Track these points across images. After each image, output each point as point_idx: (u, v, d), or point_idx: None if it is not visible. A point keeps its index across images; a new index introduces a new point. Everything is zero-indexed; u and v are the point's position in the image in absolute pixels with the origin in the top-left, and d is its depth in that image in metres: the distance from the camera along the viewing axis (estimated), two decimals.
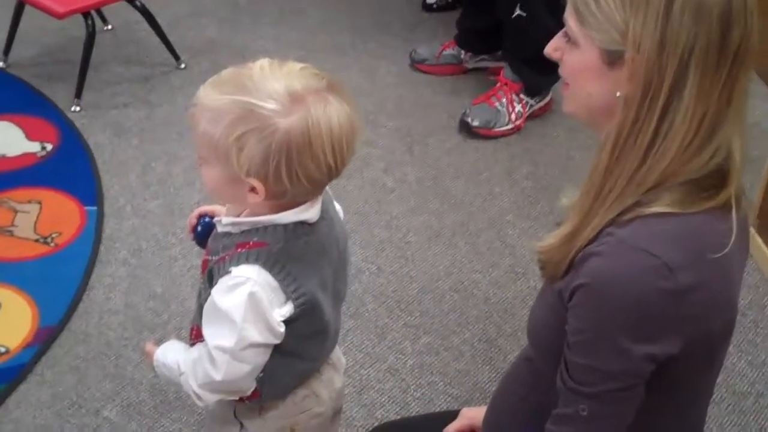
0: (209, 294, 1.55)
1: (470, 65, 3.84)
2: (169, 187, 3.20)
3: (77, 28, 3.73)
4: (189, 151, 3.36)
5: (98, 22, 3.79)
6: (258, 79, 1.43)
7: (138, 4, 3.67)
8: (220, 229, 1.59)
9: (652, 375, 1.43)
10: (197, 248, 2.82)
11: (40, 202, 3.09)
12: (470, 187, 3.25)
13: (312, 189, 1.50)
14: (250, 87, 1.42)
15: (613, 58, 1.37)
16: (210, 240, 1.64)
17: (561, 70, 1.48)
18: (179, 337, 2.55)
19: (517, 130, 3.51)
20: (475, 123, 3.47)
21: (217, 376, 1.53)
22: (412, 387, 2.52)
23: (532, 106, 3.54)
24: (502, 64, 3.64)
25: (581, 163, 3.28)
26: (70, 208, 3.07)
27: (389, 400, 2.48)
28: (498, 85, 3.54)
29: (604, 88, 1.40)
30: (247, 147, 1.41)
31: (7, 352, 2.56)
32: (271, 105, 1.41)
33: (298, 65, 1.47)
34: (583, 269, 1.41)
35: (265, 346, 1.54)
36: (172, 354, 1.65)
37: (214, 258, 1.56)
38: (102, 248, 2.93)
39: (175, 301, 2.74)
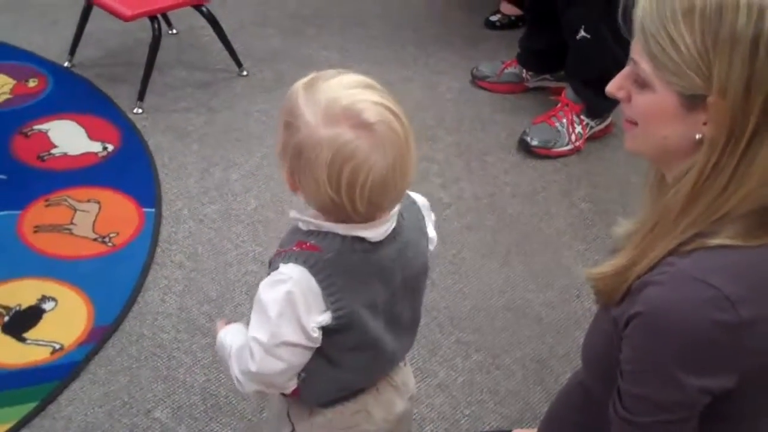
0: None
1: (531, 84, 3.83)
2: (227, 192, 3.22)
3: (142, 31, 3.78)
4: (247, 157, 3.39)
5: (163, 26, 3.83)
6: (322, 86, 1.45)
7: (204, 10, 3.70)
8: (295, 223, 1.60)
9: (707, 408, 1.41)
10: (252, 254, 2.90)
11: (99, 202, 3.12)
12: (527, 206, 3.24)
13: (334, 211, 1.49)
14: (312, 90, 1.45)
15: (693, 103, 1.35)
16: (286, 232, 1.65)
17: (627, 109, 1.46)
18: None
19: (576, 151, 3.49)
20: (535, 142, 3.46)
21: (252, 367, 1.55)
22: (462, 404, 2.51)
23: (592, 127, 3.52)
24: (563, 84, 3.63)
25: (640, 188, 3.24)
26: (129, 209, 3.10)
27: (439, 416, 2.47)
28: (559, 105, 3.53)
29: (681, 131, 1.39)
30: (284, 133, 1.47)
31: (62, 348, 2.58)
32: (306, 113, 1.43)
33: (374, 96, 1.44)
34: (640, 298, 1.39)
35: (302, 347, 1.54)
36: (230, 337, 1.67)
37: (279, 248, 1.57)
38: (158, 250, 2.95)
39: (229, 305, 2.75)
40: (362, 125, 1.41)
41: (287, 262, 1.50)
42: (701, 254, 1.38)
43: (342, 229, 1.51)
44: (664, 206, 1.42)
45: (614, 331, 1.45)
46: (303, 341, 1.53)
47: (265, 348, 1.52)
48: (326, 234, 1.52)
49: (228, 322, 1.73)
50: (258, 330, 1.52)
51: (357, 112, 1.41)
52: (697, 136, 1.37)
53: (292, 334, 1.51)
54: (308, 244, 1.52)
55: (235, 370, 1.60)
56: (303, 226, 1.55)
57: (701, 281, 1.35)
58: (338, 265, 1.51)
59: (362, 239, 1.52)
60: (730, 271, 1.36)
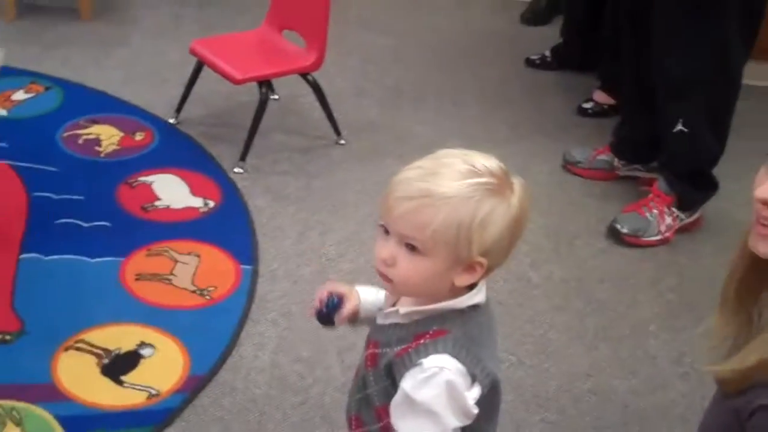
0: (382, 387, 1.59)
1: (622, 173, 3.87)
2: (321, 256, 3.30)
3: (247, 94, 3.91)
4: (342, 224, 3.47)
5: None
6: (469, 160, 1.52)
7: (310, 78, 3.82)
8: (388, 320, 1.61)
9: None
10: None
11: (198, 255, 3.22)
12: (614, 292, 3.27)
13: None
14: (475, 170, 1.49)
15: None
16: (375, 333, 1.66)
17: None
18: (323, 402, 2.63)
19: (665, 242, 3.52)
20: (625, 230, 3.49)
21: None
22: None
23: (682, 220, 3.55)
24: (654, 175, 3.67)
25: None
26: (227, 265, 3.19)
27: None
28: (650, 195, 3.56)
29: None
30: (491, 225, 1.48)
31: (158, 394, 2.66)
32: (497, 182, 1.50)
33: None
34: (766, 391, 1.42)
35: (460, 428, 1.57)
36: None
37: (386, 350, 1.58)
38: (254, 307, 3.03)
39: (320, 366, 2.81)
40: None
41: (427, 356, 1.52)
42: None
43: (463, 301, 1.56)
44: None
45: (735, 422, 1.48)
46: (464, 423, 1.55)
47: None
48: (444, 315, 1.56)
49: None
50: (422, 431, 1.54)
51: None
52: None
53: (457, 421, 1.53)
54: (432, 331, 1.54)
55: None
56: (405, 320, 1.58)
57: None
58: (469, 338, 1.54)
59: (475, 305, 1.57)
60: None
